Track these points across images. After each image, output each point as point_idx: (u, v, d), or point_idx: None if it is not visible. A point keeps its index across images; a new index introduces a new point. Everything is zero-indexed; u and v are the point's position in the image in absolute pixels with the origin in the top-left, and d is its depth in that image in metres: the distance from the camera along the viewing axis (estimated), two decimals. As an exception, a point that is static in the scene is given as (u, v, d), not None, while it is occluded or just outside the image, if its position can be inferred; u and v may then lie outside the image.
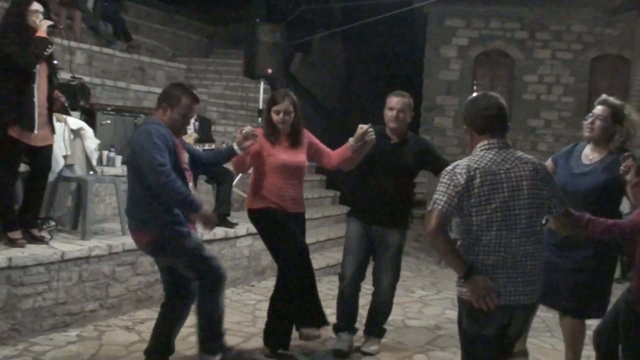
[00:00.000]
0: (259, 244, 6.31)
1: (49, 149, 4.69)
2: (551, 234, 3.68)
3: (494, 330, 2.79)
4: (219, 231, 5.93)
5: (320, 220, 8.23)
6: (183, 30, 12.53)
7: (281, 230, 4.09)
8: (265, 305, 5.00)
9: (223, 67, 11.51)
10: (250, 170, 4.31)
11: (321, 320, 4.19)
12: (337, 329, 4.51)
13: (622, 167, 3.27)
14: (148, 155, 3.32)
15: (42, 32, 4.37)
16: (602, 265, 3.81)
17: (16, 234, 4.46)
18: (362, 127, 4.03)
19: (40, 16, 4.44)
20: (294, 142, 4.19)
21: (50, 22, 4.45)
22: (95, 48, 8.55)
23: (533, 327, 5.26)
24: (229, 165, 4.73)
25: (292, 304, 4.10)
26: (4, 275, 4.08)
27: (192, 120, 6.28)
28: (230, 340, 4.48)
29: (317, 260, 7.04)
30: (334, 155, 4.24)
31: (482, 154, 2.76)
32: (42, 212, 4.91)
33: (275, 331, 4.25)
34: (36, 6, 4.45)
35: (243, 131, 3.87)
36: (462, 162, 2.75)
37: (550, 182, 2.82)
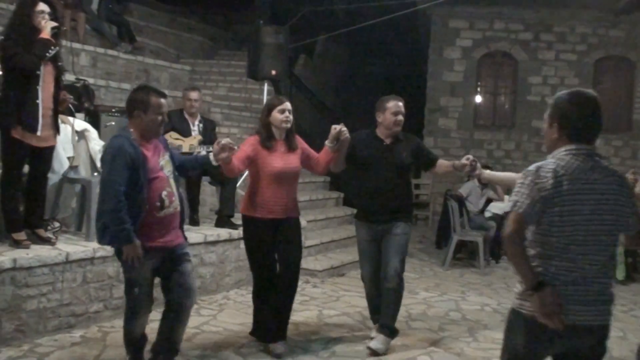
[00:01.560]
0: (263, 246, 6.31)
1: (50, 150, 4.69)
2: None
3: (552, 353, 2.54)
4: (223, 233, 5.94)
5: (324, 222, 8.23)
6: (187, 32, 12.56)
7: (262, 250, 4.31)
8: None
9: (227, 68, 11.53)
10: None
11: (281, 336, 4.35)
12: (375, 323, 4.74)
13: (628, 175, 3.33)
14: (107, 177, 3.39)
15: (45, 34, 4.36)
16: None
17: (20, 235, 4.47)
18: (336, 128, 4.22)
19: (47, 17, 4.42)
20: (290, 145, 4.30)
21: (54, 24, 4.42)
22: (100, 50, 8.57)
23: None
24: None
25: (269, 303, 4.33)
26: (9, 276, 4.09)
27: (197, 122, 6.30)
28: (233, 341, 4.50)
29: (321, 262, 7.05)
30: (321, 160, 4.39)
31: (567, 158, 2.49)
32: (47, 213, 4.93)
33: (263, 324, 4.39)
34: (42, 7, 4.43)
35: (221, 142, 3.84)
36: (548, 165, 2.48)
37: (631, 197, 2.58)
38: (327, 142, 4.29)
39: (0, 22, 7.47)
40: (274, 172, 4.20)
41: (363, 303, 5.71)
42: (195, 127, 6.27)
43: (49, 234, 4.71)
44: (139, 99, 3.53)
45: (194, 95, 6.30)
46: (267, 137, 4.25)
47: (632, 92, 11.37)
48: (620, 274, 7.41)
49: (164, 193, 3.52)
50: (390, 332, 4.56)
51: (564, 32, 11.50)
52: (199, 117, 6.36)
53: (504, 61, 11.85)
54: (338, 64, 14.00)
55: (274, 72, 8.10)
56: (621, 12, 10.81)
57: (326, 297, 6.01)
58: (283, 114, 4.22)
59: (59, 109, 4.72)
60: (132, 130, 3.50)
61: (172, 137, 5.97)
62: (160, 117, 3.53)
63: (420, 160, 4.67)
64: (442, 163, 4.64)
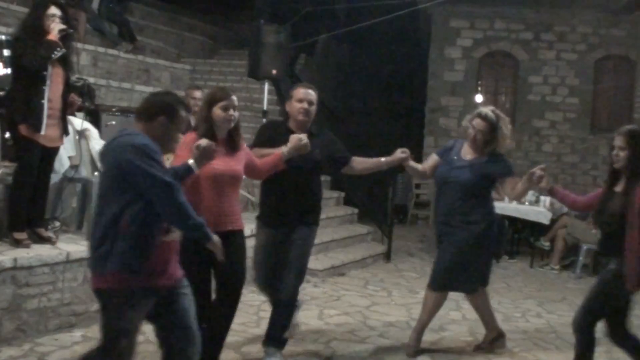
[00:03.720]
0: (263, 245, 6.30)
1: (56, 150, 4.72)
2: (449, 212, 4.36)
3: None
4: (224, 232, 5.93)
5: (325, 222, 8.20)
6: (188, 31, 12.55)
7: (195, 270, 3.40)
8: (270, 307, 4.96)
9: (228, 68, 11.52)
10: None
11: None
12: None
13: (535, 177, 4.04)
14: (150, 172, 2.72)
15: (52, 36, 4.41)
16: (481, 246, 4.38)
17: (22, 235, 4.48)
18: (302, 140, 3.79)
19: (57, 20, 4.47)
20: (233, 146, 3.64)
21: (62, 27, 4.46)
22: (100, 49, 8.57)
23: (537, 328, 5.26)
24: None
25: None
26: (10, 276, 4.10)
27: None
28: (234, 341, 4.50)
29: (322, 261, 7.05)
30: (268, 164, 3.89)
31: None
32: (48, 212, 4.94)
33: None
34: (53, 10, 4.49)
35: (200, 145, 3.19)
36: None
37: None
38: (284, 150, 3.81)
39: (1, 20, 7.51)
40: (213, 174, 3.47)
41: (364, 302, 5.73)
42: (197, 125, 6.28)
43: (50, 234, 4.72)
44: (168, 104, 2.94)
45: (197, 94, 6.35)
46: (205, 135, 3.45)
47: (632, 91, 11.36)
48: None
49: None
50: (281, 343, 4.12)
51: (565, 31, 11.49)
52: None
53: (505, 61, 11.84)
54: (339, 64, 13.99)
55: (274, 72, 8.10)
56: (622, 11, 10.80)
57: (327, 297, 6.01)
58: (227, 112, 3.54)
59: (68, 110, 4.75)
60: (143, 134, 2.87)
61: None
62: (180, 135, 3.04)
63: (332, 160, 4.21)
64: (361, 161, 4.26)
